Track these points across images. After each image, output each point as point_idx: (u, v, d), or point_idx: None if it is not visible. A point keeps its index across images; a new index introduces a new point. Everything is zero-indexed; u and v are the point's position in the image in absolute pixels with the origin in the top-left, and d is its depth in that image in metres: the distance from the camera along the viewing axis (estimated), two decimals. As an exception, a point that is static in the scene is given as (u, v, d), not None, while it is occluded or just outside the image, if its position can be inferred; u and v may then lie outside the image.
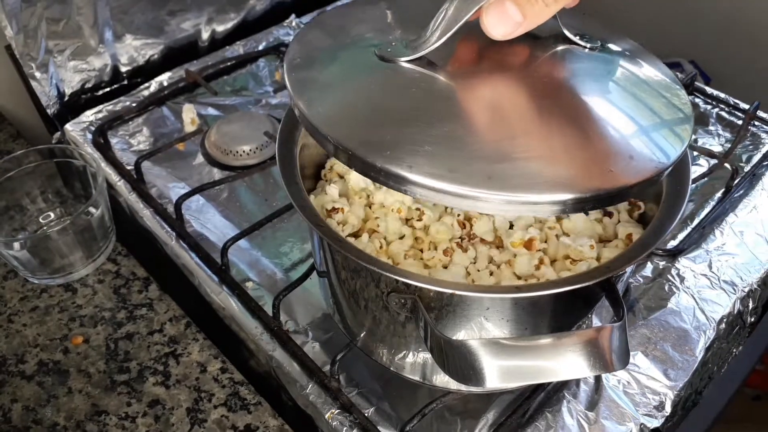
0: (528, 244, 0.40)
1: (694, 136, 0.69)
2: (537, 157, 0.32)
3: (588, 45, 0.40)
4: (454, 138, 0.33)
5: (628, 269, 0.39)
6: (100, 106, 0.72)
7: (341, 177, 0.46)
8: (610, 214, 0.43)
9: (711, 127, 0.70)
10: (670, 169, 0.34)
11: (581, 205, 0.32)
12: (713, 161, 0.64)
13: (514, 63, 0.38)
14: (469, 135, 0.33)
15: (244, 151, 0.66)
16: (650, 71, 0.40)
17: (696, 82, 0.74)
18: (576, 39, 0.40)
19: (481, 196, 0.31)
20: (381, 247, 0.41)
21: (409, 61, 0.37)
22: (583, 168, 0.32)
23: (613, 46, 0.42)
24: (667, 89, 0.39)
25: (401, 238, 0.42)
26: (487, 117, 0.34)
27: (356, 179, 0.44)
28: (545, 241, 0.42)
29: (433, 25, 0.37)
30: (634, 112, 0.36)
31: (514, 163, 0.32)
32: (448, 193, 0.31)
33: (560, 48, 0.40)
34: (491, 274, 0.40)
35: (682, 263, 0.55)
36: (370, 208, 0.44)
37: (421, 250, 0.42)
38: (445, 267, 0.40)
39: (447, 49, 0.37)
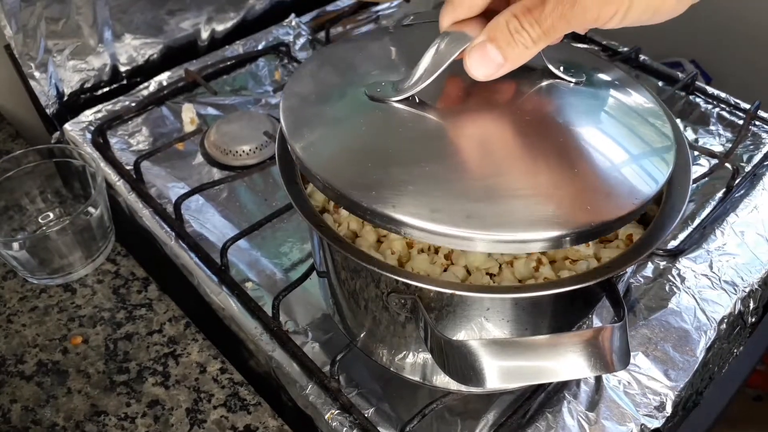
0: None
1: (695, 136, 0.69)
2: (520, 196, 0.33)
3: (573, 79, 0.41)
4: (438, 177, 0.34)
5: (629, 269, 0.39)
6: (100, 106, 0.71)
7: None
8: None
9: (712, 127, 0.70)
10: (651, 199, 0.35)
11: (564, 241, 0.32)
12: (714, 161, 0.64)
13: (499, 100, 0.39)
14: (453, 174, 0.34)
15: (243, 151, 0.66)
16: (634, 101, 0.41)
17: (697, 82, 0.74)
18: (561, 74, 0.41)
19: (462, 235, 0.32)
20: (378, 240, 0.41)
21: (398, 101, 0.38)
22: (566, 205, 0.33)
23: (599, 78, 0.42)
24: (651, 118, 0.40)
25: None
26: (473, 155, 0.36)
27: None
28: None
29: (421, 66, 0.38)
30: (616, 145, 0.37)
31: (496, 202, 0.33)
32: (431, 233, 0.32)
33: (546, 83, 0.41)
34: (491, 277, 0.40)
35: (683, 263, 0.55)
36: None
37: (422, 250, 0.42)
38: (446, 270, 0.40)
39: (436, 87, 0.38)
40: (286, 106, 0.39)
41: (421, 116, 0.38)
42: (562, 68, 0.41)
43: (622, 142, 0.38)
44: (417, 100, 0.38)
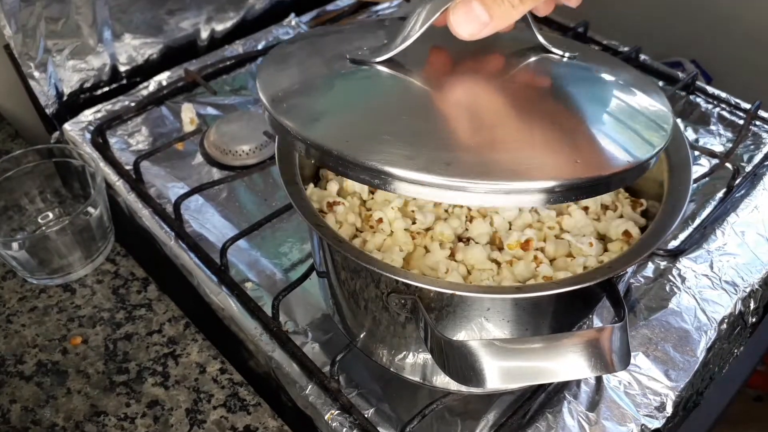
0: (525, 246, 0.40)
1: (695, 136, 0.69)
2: (520, 148, 0.32)
3: (565, 54, 0.41)
4: (433, 133, 0.33)
5: (629, 269, 0.39)
6: (99, 106, 0.71)
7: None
8: (613, 209, 0.43)
9: (712, 127, 0.70)
10: (661, 151, 0.34)
11: (569, 194, 0.32)
12: (714, 161, 0.64)
13: (488, 68, 0.39)
14: (441, 129, 0.33)
15: (243, 151, 0.66)
16: (627, 76, 0.41)
17: (697, 82, 0.73)
18: (552, 48, 0.41)
19: (466, 186, 0.31)
20: (384, 240, 0.41)
21: (381, 63, 0.37)
22: (570, 157, 0.32)
23: (591, 55, 0.42)
24: (645, 89, 0.40)
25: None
26: (461, 114, 0.35)
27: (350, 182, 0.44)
28: (543, 240, 0.42)
29: (405, 27, 0.37)
30: (610, 111, 0.37)
31: (485, 153, 0.32)
32: (432, 185, 0.31)
33: (537, 57, 0.40)
34: (491, 278, 0.40)
35: (683, 263, 0.55)
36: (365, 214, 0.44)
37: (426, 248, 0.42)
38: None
39: (421, 56, 0.38)
40: (265, 72, 0.38)
41: (406, 79, 0.37)
42: (554, 46, 0.41)
43: (616, 109, 0.37)
44: (401, 65, 0.37)
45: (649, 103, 0.39)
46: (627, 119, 0.37)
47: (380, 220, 0.41)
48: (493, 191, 0.31)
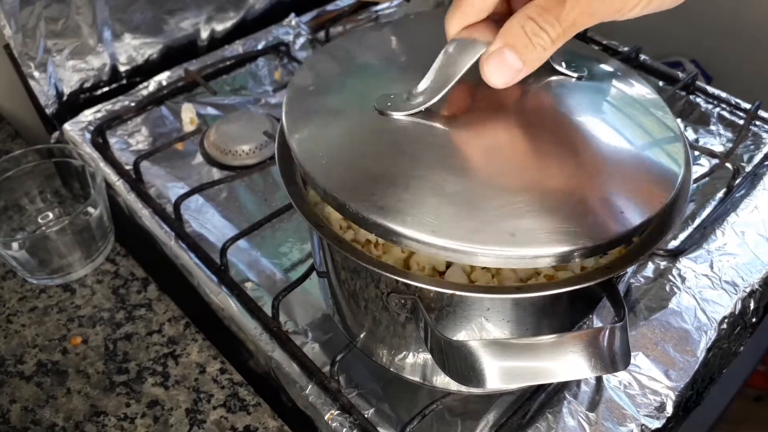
0: None
1: (695, 135, 0.69)
2: (538, 211, 0.33)
3: (575, 74, 0.41)
4: (465, 196, 0.33)
5: (630, 270, 0.39)
6: (99, 106, 0.71)
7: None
8: None
9: (712, 127, 0.70)
10: (670, 203, 0.35)
11: (582, 253, 0.32)
12: (714, 161, 0.64)
13: (504, 102, 0.39)
14: (460, 186, 0.34)
15: (243, 151, 0.66)
16: (636, 93, 0.41)
17: (697, 82, 0.73)
18: (563, 69, 0.41)
19: (476, 251, 0.31)
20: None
21: (407, 116, 0.38)
22: (584, 218, 0.33)
23: (599, 70, 0.42)
24: (653, 109, 0.40)
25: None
26: (481, 166, 0.35)
27: None
28: None
29: (431, 77, 0.37)
30: (627, 143, 0.37)
31: (512, 219, 0.32)
32: (445, 249, 0.32)
33: (549, 80, 0.40)
34: (492, 276, 0.40)
35: (684, 263, 0.55)
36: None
37: None
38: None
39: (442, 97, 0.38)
40: (289, 120, 0.39)
41: (428, 126, 0.37)
42: (563, 64, 0.41)
43: (631, 139, 0.37)
44: (424, 112, 0.38)
45: (659, 124, 0.39)
46: (644, 150, 0.37)
47: (377, 243, 0.41)
48: (509, 257, 0.32)
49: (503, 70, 0.35)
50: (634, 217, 0.33)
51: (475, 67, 0.36)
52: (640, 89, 0.42)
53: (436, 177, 0.34)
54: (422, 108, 0.37)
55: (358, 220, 0.33)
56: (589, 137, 0.37)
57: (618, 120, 0.39)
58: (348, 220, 0.35)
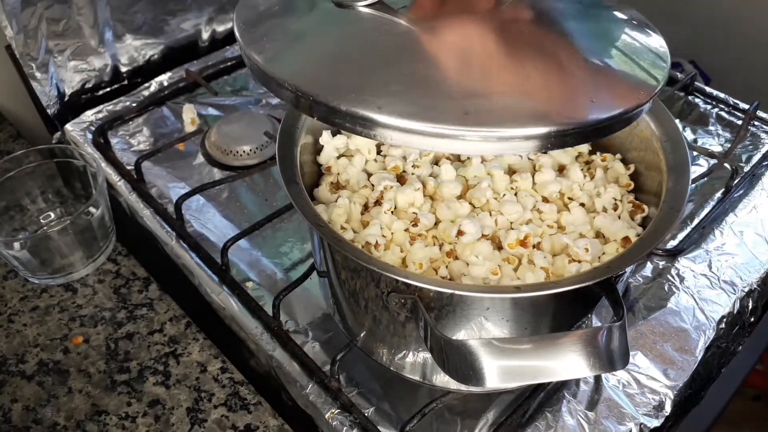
0: (523, 243, 0.40)
1: (694, 136, 0.69)
2: (512, 92, 0.31)
3: None
4: (422, 77, 0.31)
5: (628, 269, 0.39)
6: (101, 106, 0.72)
7: (339, 179, 0.46)
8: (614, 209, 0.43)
9: (711, 127, 0.70)
10: (652, 99, 0.33)
11: (562, 139, 0.30)
12: (713, 161, 0.64)
13: (476, 5, 0.37)
14: (438, 73, 0.32)
15: (244, 151, 0.66)
16: (621, 12, 0.40)
17: (696, 82, 0.74)
18: None
19: (458, 134, 0.29)
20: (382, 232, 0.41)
21: (366, 5, 0.36)
22: (561, 101, 0.31)
23: None
24: (639, 25, 0.39)
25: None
26: (455, 56, 0.33)
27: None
28: (541, 236, 0.42)
29: None
30: (607, 45, 0.36)
31: (489, 99, 0.30)
32: (422, 134, 0.29)
33: None
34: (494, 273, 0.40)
35: (682, 263, 0.55)
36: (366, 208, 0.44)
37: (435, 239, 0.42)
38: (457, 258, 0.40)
39: None
40: (242, 17, 0.37)
41: (394, 21, 0.35)
42: None
43: (612, 42, 0.36)
44: (387, 6, 0.36)
45: (643, 38, 0.37)
46: (623, 56, 0.35)
47: (377, 245, 0.40)
48: (485, 139, 0.29)
49: None
50: (606, 107, 0.31)
51: None
52: (624, 8, 0.40)
53: (391, 59, 0.32)
54: None
55: (324, 111, 0.31)
56: (565, 42, 0.35)
57: (596, 28, 0.37)
58: (312, 114, 0.32)
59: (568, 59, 0.34)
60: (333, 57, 0.33)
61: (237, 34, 0.36)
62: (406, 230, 0.42)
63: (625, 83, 0.33)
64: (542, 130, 0.30)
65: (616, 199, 0.44)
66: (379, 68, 0.32)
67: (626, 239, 0.41)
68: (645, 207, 0.43)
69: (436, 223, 0.43)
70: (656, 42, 0.38)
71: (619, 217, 0.43)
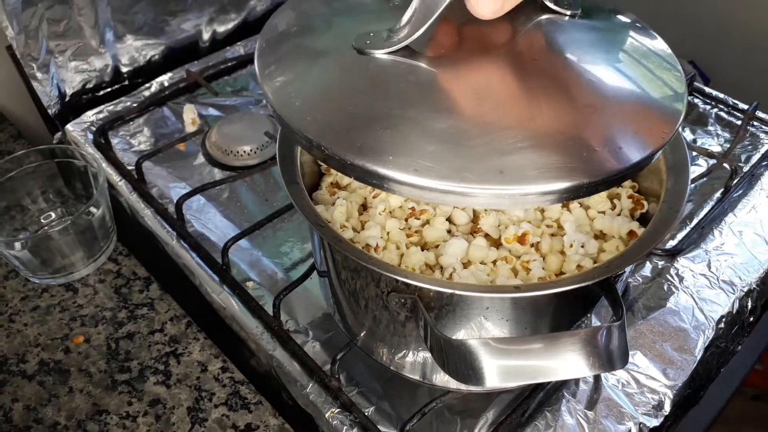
0: (521, 239, 0.40)
1: (693, 136, 0.70)
2: (541, 144, 0.31)
3: (568, 12, 0.39)
4: (451, 134, 0.31)
5: (627, 269, 0.39)
6: (101, 107, 0.72)
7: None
8: (612, 208, 0.44)
9: (710, 128, 0.70)
10: (674, 135, 0.33)
11: (594, 188, 0.30)
12: (712, 161, 0.64)
13: (493, 41, 0.36)
14: (466, 129, 0.31)
15: (244, 152, 0.66)
16: (634, 34, 0.40)
17: (695, 83, 0.74)
18: (554, 6, 0.39)
19: (496, 192, 0.29)
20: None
21: (388, 53, 0.35)
22: (591, 150, 0.31)
23: (592, 7, 0.40)
24: (648, 44, 0.39)
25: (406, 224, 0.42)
26: (480, 107, 0.33)
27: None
28: (540, 236, 0.42)
29: (411, 12, 0.35)
30: (623, 81, 0.35)
31: (521, 154, 0.30)
32: (459, 194, 0.29)
33: (540, 18, 0.38)
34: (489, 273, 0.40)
35: (681, 263, 0.56)
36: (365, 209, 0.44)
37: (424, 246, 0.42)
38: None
39: (425, 32, 0.35)
40: (263, 66, 0.36)
41: (412, 66, 0.35)
42: (555, 1, 0.39)
43: (627, 77, 0.36)
44: (407, 50, 0.35)
45: (656, 58, 0.37)
46: (642, 85, 0.35)
47: (377, 247, 0.40)
48: (523, 195, 0.30)
49: None
50: (633, 152, 0.31)
51: (462, 6, 0.34)
52: (633, 25, 0.40)
53: (419, 115, 0.31)
54: (404, 44, 0.35)
55: (335, 162, 0.31)
56: (582, 75, 0.35)
57: (612, 57, 0.37)
58: (324, 163, 0.32)
59: (590, 96, 0.33)
60: (362, 113, 0.32)
61: (260, 82, 0.35)
62: (402, 229, 0.42)
63: (649, 119, 0.33)
64: (575, 183, 0.30)
65: (611, 198, 0.44)
66: (407, 125, 0.31)
67: (631, 233, 0.40)
68: (644, 203, 0.43)
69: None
70: (667, 54, 0.38)
71: (619, 215, 0.43)
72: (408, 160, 0.30)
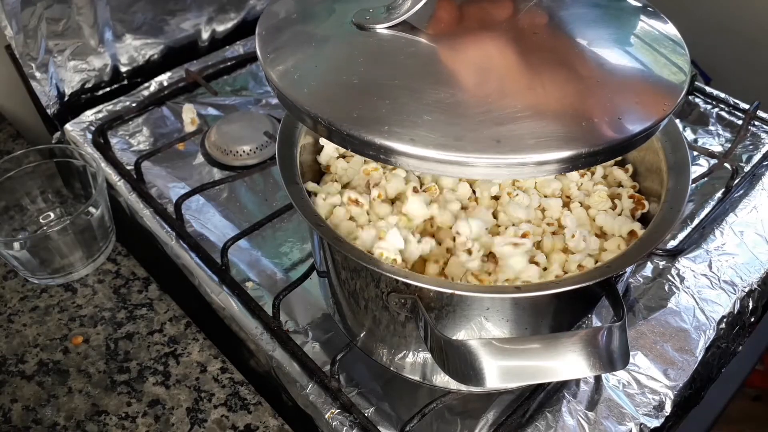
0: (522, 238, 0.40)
1: (694, 136, 0.69)
2: (539, 114, 0.31)
3: None
4: (449, 104, 0.31)
5: (628, 269, 0.39)
6: (100, 106, 0.72)
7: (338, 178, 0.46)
8: (613, 207, 0.43)
9: (711, 127, 0.70)
10: (675, 108, 0.33)
11: (594, 158, 0.30)
12: (713, 161, 0.64)
13: (494, 17, 0.36)
14: (464, 97, 0.31)
15: (244, 151, 0.66)
16: (640, 14, 0.39)
17: (696, 82, 0.74)
18: None
19: (492, 162, 0.29)
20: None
21: (388, 28, 0.35)
22: (590, 119, 0.31)
23: None
24: (652, 21, 0.38)
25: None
26: (479, 76, 0.33)
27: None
28: (542, 235, 0.42)
29: None
30: (625, 56, 0.35)
31: (518, 124, 0.30)
32: (456, 163, 0.29)
33: None
34: (489, 274, 0.40)
35: (682, 263, 0.55)
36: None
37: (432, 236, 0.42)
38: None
39: (426, 9, 0.35)
40: (263, 41, 0.36)
41: (412, 40, 0.35)
42: None
43: (628, 51, 0.36)
44: (408, 26, 0.35)
45: (660, 31, 0.37)
46: (645, 57, 0.35)
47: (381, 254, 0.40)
48: (519, 165, 0.29)
49: None
50: (634, 123, 0.31)
51: None
52: (639, 5, 0.40)
53: (418, 86, 0.31)
54: (404, 17, 0.35)
55: (332, 134, 0.31)
56: (584, 49, 0.35)
57: (614, 33, 0.37)
58: (323, 136, 0.32)
59: (592, 70, 0.33)
60: (358, 85, 0.32)
61: (259, 55, 0.36)
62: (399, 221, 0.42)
63: (650, 90, 0.33)
64: (574, 152, 0.29)
65: (612, 198, 0.44)
66: (405, 95, 0.31)
67: (632, 233, 0.40)
68: (645, 202, 0.43)
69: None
70: (672, 34, 0.37)
71: (619, 215, 0.43)
72: (405, 130, 0.30)
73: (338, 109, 0.31)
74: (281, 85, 0.33)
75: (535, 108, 0.31)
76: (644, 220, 0.43)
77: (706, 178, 0.63)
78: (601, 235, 0.43)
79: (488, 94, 0.31)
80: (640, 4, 0.41)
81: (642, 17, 0.39)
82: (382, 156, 0.30)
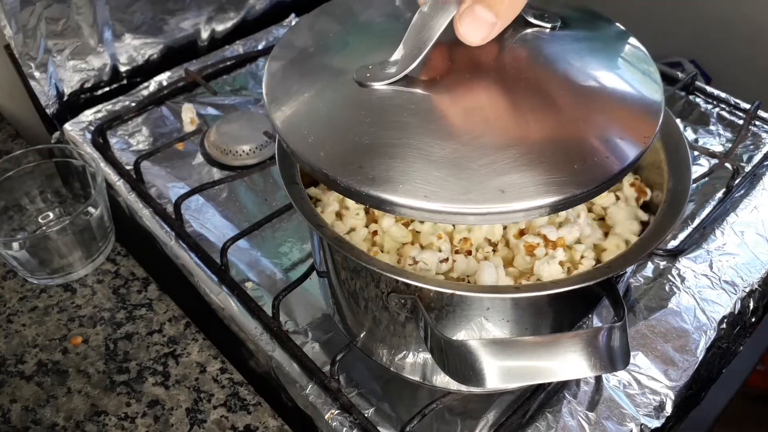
0: (522, 234, 0.40)
1: (695, 136, 0.69)
2: (536, 160, 0.33)
3: (548, 25, 0.40)
4: (454, 159, 0.33)
5: (629, 269, 0.39)
6: (100, 106, 0.71)
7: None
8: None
9: (711, 127, 0.70)
10: (654, 137, 0.35)
11: (586, 197, 0.33)
12: (714, 161, 0.64)
13: (482, 60, 0.38)
14: (467, 154, 0.33)
15: (243, 151, 0.66)
16: (611, 40, 0.41)
17: (696, 82, 0.74)
18: (536, 21, 0.40)
19: (500, 210, 0.32)
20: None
21: (387, 85, 0.37)
22: (582, 163, 0.33)
23: (572, 19, 0.42)
24: (626, 49, 0.40)
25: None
26: (479, 130, 0.35)
27: None
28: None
29: (407, 44, 0.37)
30: (603, 89, 0.37)
31: (519, 173, 0.32)
32: (467, 214, 0.32)
33: (525, 32, 0.40)
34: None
35: (683, 263, 0.55)
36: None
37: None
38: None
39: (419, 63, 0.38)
40: (271, 98, 0.39)
41: (408, 93, 0.37)
42: (535, 16, 0.41)
43: (607, 83, 0.38)
44: (404, 80, 0.37)
45: (638, 73, 0.39)
46: (618, 103, 0.37)
47: (375, 233, 0.41)
48: (525, 210, 0.32)
49: (478, 27, 0.35)
50: (621, 158, 0.33)
51: (451, 29, 0.36)
52: (611, 32, 0.42)
53: (422, 143, 0.34)
54: (401, 76, 0.37)
55: (351, 194, 0.33)
56: (566, 85, 0.37)
57: (592, 65, 0.39)
58: (340, 194, 0.35)
59: (578, 110, 0.36)
60: (371, 146, 0.34)
61: (270, 117, 0.38)
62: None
63: (631, 124, 0.35)
64: (569, 195, 0.32)
65: (614, 192, 0.44)
66: (413, 154, 0.34)
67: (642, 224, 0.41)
68: (647, 190, 0.43)
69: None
70: (646, 63, 0.40)
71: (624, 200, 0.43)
72: (417, 186, 0.32)
73: (354, 171, 0.33)
74: (300, 150, 0.35)
75: (531, 156, 0.33)
76: (646, 209, 0.43)
77: (706, 178, 0.62)
78: (606, 227, 0.43)
79: (486, 145, 0.34)
80: (608, 28, 0.42)
81: (613, 43, 0.41)
82: (398, 211, 0.33)
